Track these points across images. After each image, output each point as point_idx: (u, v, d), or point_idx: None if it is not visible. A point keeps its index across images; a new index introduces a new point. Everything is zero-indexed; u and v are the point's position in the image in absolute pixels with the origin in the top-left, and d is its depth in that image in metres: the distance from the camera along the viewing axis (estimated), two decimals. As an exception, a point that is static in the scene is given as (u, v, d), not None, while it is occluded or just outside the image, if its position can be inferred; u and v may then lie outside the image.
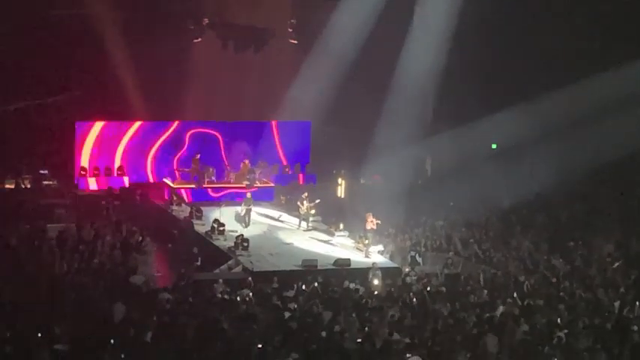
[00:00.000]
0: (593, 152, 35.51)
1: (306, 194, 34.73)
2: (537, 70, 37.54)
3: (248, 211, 34.14)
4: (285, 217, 35.77)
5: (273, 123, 40.61)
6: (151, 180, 38.73)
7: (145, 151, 38.80)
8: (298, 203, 34.67)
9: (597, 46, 36.30)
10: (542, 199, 37.23)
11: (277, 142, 40.70)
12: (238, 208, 34.47)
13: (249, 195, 34.91)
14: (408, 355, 18.57)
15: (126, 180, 38.11)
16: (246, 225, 33.80)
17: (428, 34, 39.06)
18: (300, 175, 40.46)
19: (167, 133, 39.08)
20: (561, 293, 26.12)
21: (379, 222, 31.97)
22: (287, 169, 40.58)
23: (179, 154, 38.83)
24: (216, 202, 34.97)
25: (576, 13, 36.43)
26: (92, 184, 37.68)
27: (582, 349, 20.80)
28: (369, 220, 31.75)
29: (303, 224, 34.32)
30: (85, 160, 37.87)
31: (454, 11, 37.63)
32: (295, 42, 39.79)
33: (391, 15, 37.76)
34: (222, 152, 39.51)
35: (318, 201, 34.70)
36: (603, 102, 34.84)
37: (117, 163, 38.32)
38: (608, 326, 22.81)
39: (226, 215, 33.64)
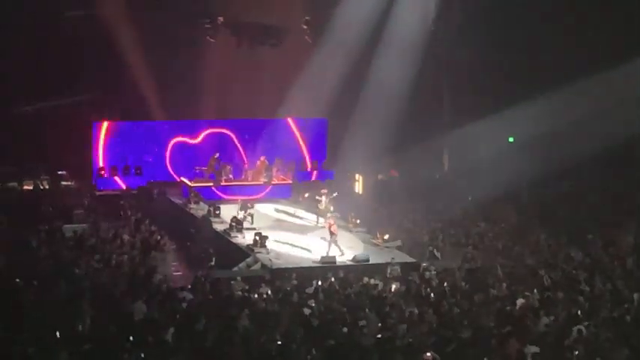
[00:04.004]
0: (610, 144, 35.36)
1: (324, 190, 34.76)
2: (554, 63, 37.38)
3: (250, 215, 33.60)
4: (302, 213, 35.78)
5: (290, 120, 40.66)
6: (169, 179, 38.75)
7: (162, 150, 38.89)
8: (317, 197, 34.69)
9: (615, 39, 36.10)
10: (559, 192, 37.12)
11: (294, 139, 40.71)
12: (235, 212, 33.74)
13: (243, 199, 34.61)
14: (427, 354, 18.52)
15: (144, 179, 38.18)
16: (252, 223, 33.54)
17: (443, 28, 39.06)
18: (315, 172, 40.43)
19: (184, 132, 39.17)
20: (581, 285, 26.06)
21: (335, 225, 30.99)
22: (304, 166, 40.56)
23: (196, 152, 38.90)
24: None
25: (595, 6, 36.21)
26: (110, 183, 37.76)
27: (603, 341, 20.75)
28: (331, 222, 31.08)
29: (321, 220, 34.30)
30: (102, 160, 37.97)
31: (468, 4, 37.64)
32: (310, 41, 39.76)
33: (404, 8, 37.75)
34: (240, 150, 39.54)
35: (335, 194, 34.67)
36: (620, 94, 34.70)
37: (134, 162, 38.39)
38: (628, 318, 22.75)
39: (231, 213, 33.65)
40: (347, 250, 31.00)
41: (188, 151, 39.07)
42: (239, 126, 39.94)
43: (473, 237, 32.55)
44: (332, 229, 30.63)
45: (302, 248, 31.52)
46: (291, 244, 31.86)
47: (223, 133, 39.57)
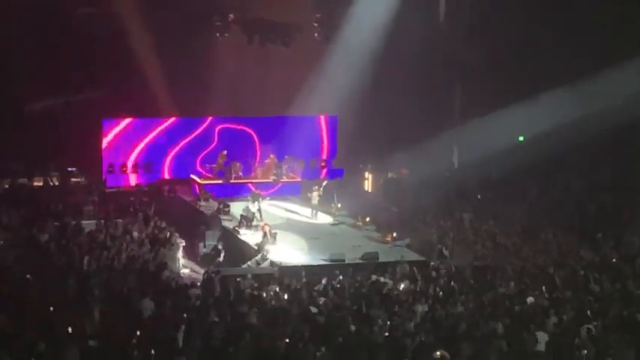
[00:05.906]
0: (620, 142, 35.31)
1: (316, 186, 34.94)
2: (565, 61, 37.29)
3: (259, 209, 33.68)
4: (298, 209, 35.89)
5: (301, 117, 40.59)
6: (179, 176, 38.73)
7: (172, 147, 38.84)
8: (309, 194, 34.93)
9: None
10: (570, 191, 37.05)
11: (304, 136, 40.63)
12: (247, 205, 33.77)
13: (256, 190, 34.79)
14: (437, 353, 18.50)
15: (153, 176, 38.20)
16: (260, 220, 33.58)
17: (453, 26, 39.04)
18: (325, 170, 40.34)
19: (194, 129, 39.12)
20: (590, 285, 26.02)
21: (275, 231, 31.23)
22: (314, 164, 40.49)
23: (207, 150, 38.88)
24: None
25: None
26: (120, 180, 37.78)
27: (612, 341, 20.72)
28: (265, 227, 31.12)
29: (329, 218, 34.35)
30: (112, 157, 37.99)
31: (479, 2, 37.65)
32: (320, 38, 39.75)
33: (415, 6, 37.74)
34: (257, 147, 39.48)
35: (325, 182, 35.36)
36: (629, 92, 34.63)
37: (144, 159, 38.40)
38: (637, 318, 22.70)
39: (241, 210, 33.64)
40: (357, 247, 31.03)
41: (198, 149, 39.03)
42: (250, 123, 39.82)
43: (482, 235, 32.49)
44: (266, 231, 30.62)
45: (312, 245, 31.54)
46: (300, 242, 31.87)
47: (235, 129, 39.44)
